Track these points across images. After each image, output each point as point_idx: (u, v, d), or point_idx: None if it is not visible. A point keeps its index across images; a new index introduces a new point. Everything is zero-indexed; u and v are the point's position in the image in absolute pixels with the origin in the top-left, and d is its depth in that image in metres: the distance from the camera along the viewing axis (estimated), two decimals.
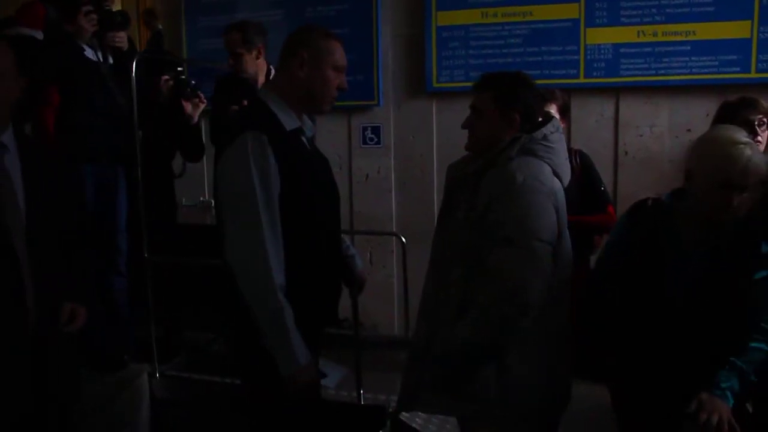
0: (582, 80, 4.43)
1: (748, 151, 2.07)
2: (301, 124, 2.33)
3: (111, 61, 3.60)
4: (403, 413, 3.23)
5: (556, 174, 2.24)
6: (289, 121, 2.27)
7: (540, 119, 2.34)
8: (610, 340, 2.38)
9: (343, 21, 4.76)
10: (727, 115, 2.96)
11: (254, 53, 3.74)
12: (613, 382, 2.45)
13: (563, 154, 2.30)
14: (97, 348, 3.64)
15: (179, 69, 4.10)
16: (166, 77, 4.01)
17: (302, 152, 2.32)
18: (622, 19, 4.34)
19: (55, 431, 2.55)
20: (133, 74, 3.52)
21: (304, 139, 2.35)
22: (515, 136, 2.23)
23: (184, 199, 5.00)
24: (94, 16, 3.46)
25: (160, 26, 4.93)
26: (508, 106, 2.24)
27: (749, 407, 2.34)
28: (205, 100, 4.07)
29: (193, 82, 4.09)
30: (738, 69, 4.18)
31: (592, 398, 2.74)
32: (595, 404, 2.82)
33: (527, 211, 2.12)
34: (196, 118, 4.06)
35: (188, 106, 4.01)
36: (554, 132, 2.26)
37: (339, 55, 2.29)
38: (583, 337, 2.36)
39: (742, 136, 2.12)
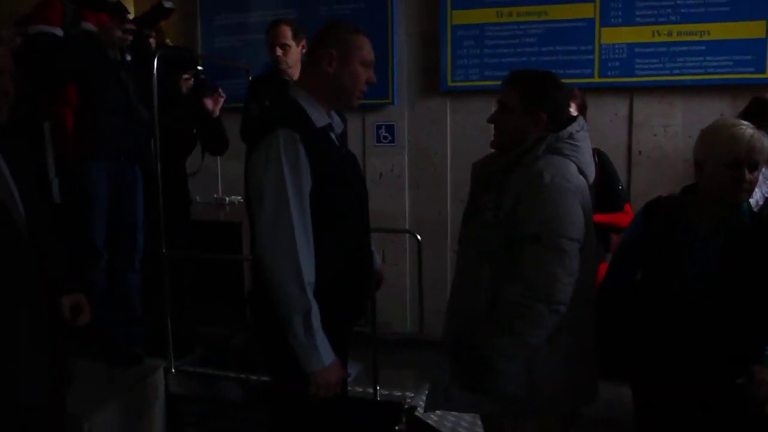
0: (597, 80, 4.46)
1: (750, 130, 2.17)
2: (331, 120, 2.34)
3: (129, 58, 3.61)
4: (420, 409, 3.26)
5: (581, 172, 2.26)
6: (319, 117, 2.27)
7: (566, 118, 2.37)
8: (630, 339, 2.43)
9: (358, 19, 4.71)
10: (755, 111, 2.99)
11: (300, 47, 3.81)
12: (635, 380, 2.48)
13: (588, 152, 2.32)
14: (112, 344, 3.70)
15: (199, 68, 4.15)
16: (186, 76, 4.06)
17: (332, 149, 2.33)
18: (637, 19, 4.37)
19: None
20: (155, 72, 3.54)
21: (333, 135, 2.35)
22: (541, 135, 2.25)
23: (198, 197, 5.01)
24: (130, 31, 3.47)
25: (168, 41, 4.95)
26: (536, 106, 2.26)
27: None
28: (224, 95, 4.14)
29: (206, 79, 4.15)
30: (752, 69, 4.20)
31: (611, 397, 2.75)
32: (612, 403, 2.85)
33: (555, 209, 2.14)
34: (217, 112, 4.12)
35: (209, 102, 4.07)
36: (580, 130, 2.28)
37: (367, 49, 2.30)
38: (602, 336, 2.38)
39: (743, 124, 2.22)
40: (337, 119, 2.39)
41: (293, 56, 3.82)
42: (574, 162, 2.24)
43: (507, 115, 2.29)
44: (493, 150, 2.43)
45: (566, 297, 2.12)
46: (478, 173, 2.45)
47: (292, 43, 3.80)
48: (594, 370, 2.36)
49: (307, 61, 2.36)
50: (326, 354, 2.20)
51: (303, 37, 3.81)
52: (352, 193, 2.39)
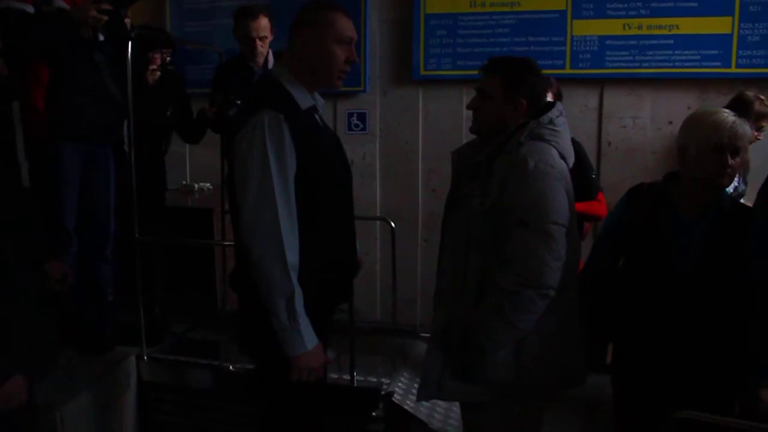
0: (568, 71, 4.52)
1: (732, 117, 2.26)
2: (315, 102, 2.31)
3: (102, 38, 3.52)
4: (396, 395, 3.31)
5: (562, 156, 2.31)
6: (303, 99, 2.25)
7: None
8: (612, 329, 2.48)
9: None
10: (738, 107, 3.09)
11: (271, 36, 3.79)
12: (616, 371, 2.53)
13: (568, 137, 2.37)
14: (83, 331, 3.63)
15: (168, 59, 4.09)
16: (153, 68, 3.98)
17: (317, 131, 2.32)
18: (608, 12, 4.44)
19: None
20: (129, 54, 3.48)
21: (317, 117, 2.34)
22: (523, 121, 2.28)
23: (167, 183, 4.96)
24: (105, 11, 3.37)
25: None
26: (515, 91, 2.29)
27: None
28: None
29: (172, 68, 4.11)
30: (719, 63, 4.31)
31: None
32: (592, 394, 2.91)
33: (541, 194, 2.17)
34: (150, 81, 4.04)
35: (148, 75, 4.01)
36: (559, 116, 2.32)
37: (341, 26, 2.23)
38: (584, 322, 2.41)
39: (725, 111, 2.30)
40: (321, 101, 2.37)
41: (266, 48, 3.79)
42: (555, 147, 2.28)
43: (487, 102, 2.32)
44: (473, 136, 2.47)
45: (555, 281, 2.16)
46: (460, 161, 2.48)
47: (270, 35, 3.76)
48: (580, 354, 2.39)
49: (288, 40, 2.30)
50: (309, 338, 2.19)
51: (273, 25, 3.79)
52: (336, 176, 2.38)
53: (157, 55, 3.98)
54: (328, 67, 2.24)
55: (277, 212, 2.12)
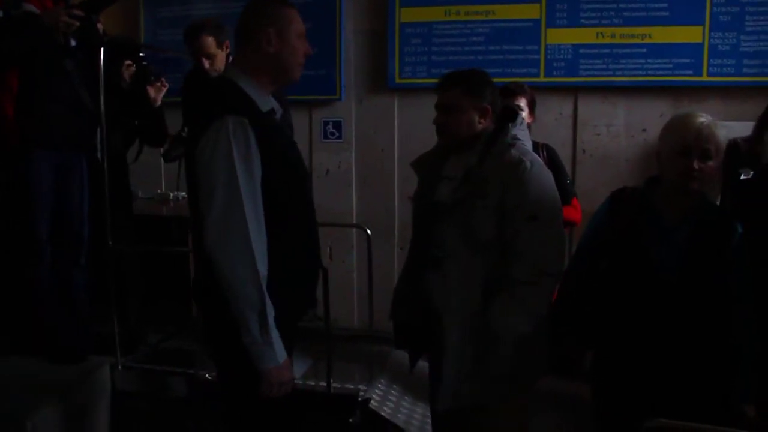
0: (542, 79, 4.58)
1: (701, 120, 2.26)
2: (273, 104, 2.30)
3: (74, 44, 3.49)
4: (373, 402, 3.34)
5: None
6: (263, 102, 2.24)
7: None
8: (591, 334, 2.47)
9: (306, 14, 4.55)
10: None
11: (225, 51, 3.73)
12: (597, 377, 2.52)
13: (529, 138, 2.59)
14: (57, 340, 3.60)
15: (141, 55, 4.07)
16: (128, 62, 3.99)
17: (279, 135, 2.32)
18: (582, 21, 4.51)
19: None
20: (102, 60, 3.47)
21: (276, 119, 2.33)
22: (499, 126, 2.45)
23: (140, 192, 4.98)
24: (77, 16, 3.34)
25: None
26: (480, 98, 2.43)
27: None
28: (167, 84, 4.07)
29: (153, 68, 4.07)
30: (691, 72, 4.40)
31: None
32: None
33: (543, 190, 2.37)
34: (159, 102, 4.07)
35: (152, 91, 4.02)
36: (523, 120, 2.57)
37: (299, 21, 2.28)
38: (561, 332, 2.46)
39: (702, 115, 2.30)
40: (276, 104, 2.34)
41: (220, 62, 3.72)
42: (525, 146, 2.47)
43: (455, 114, 2.44)
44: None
45: (562, 265, 2.41)
46: (426, 170, 2.59)
47: (218, 51, 3.70)
48: (544, 339, 2.45)
49: (243, 44, 2.28)
50: (280, 351, 2.16)
51: (226, 39, 3.71)
52: (299, 181, 2.37)
53: (128, 62, 3.99)
54: (293, 62, 2.28)
55: (246, 221, 2.07)
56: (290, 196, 2.27)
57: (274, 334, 2.14)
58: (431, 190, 2.47)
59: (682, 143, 2.23)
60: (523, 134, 2.49)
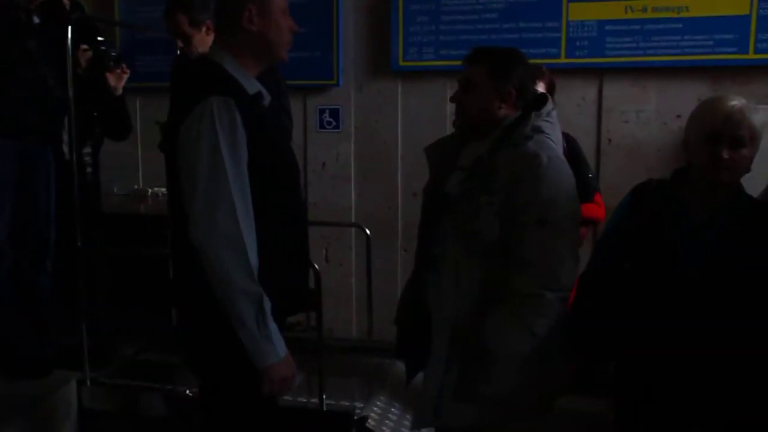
0: (563, 60, 4.50)
1: (733, 103, 2.18)
2: (260, 87, 2.32)
3: (38, 21, 3.45)
4: (371, 421, 3.35)
5: None
6: (249, 84, 2.26)
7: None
8: (613, 343, 2.40)
9: None
10: None
11: (203, 30, 3.64)
12: (618, 391, 2.48)
13: (559, 131, 2.46)
14: (18, 353, 3.59)
15: (99, 39, 4.01)
16: (85, 47, 3.90)
17: (267, 118, 2.33)
18: None
19: None
20: (69, 41, 3.42)
21: (264, 104, 2.35)
22: (521, 113, 2.37)
23: (116, 188, 5.04)
24: None
25: None
26: (504, 80, 2.36)
27: None
28: (128, 71, 4.03)
29: (113, 52, 4.01)
30: (735, 49, 4.26)
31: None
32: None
33: (557, 190, 2.26)
34: (120, 90, 4.01)
35: (111, 78, 3.95)
36: (553, 109, 2.44)
37: None
38: (580, 339, 2.40)
39: (734, 98, 2.22)
40: (264, 89, 2.37)
41: (198, 42, 3.65)
42: (551, 140, 2.36)
43: (473, 93, 2.38)
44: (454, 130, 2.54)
45: (571, 283, 2.26)
46: (439, 157, 2.53)
47: (192, 32, 3.63)
48: (565, 355, 2.41)
49: (223, 23, 2.33)
50: (280, 345, 2.17)
51: (207, 17, 3.62)
52: (288, 169, 2.38)
53: (84, 46, 3.89)
54: (278, 39, 2.30)
55: (235, 208, 2.08)
56: (277, 185, 2.27)
57: (272, 327, 2.15)
58: (443, 180, 2.45)
59: (710, 130, 2.17)
60: (549, 126, 2.38)
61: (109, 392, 3.68)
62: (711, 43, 4.29)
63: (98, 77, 3.93)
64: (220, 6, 2.33)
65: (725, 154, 2.14)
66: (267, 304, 2.12)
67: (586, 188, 3.47)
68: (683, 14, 4.31)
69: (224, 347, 2.16)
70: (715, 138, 2.15)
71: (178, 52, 3.87)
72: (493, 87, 2.36)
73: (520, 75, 2.39)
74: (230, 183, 2.08)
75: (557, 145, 2.40)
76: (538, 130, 2.33)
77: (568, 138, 3.54)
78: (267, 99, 2.37)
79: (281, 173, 2.30)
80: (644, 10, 4.36)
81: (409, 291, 2.66)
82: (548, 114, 2.39)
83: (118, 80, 3.97)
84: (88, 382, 3.63)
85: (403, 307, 2.70)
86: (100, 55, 3.95)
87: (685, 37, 4.32)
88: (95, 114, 4.03)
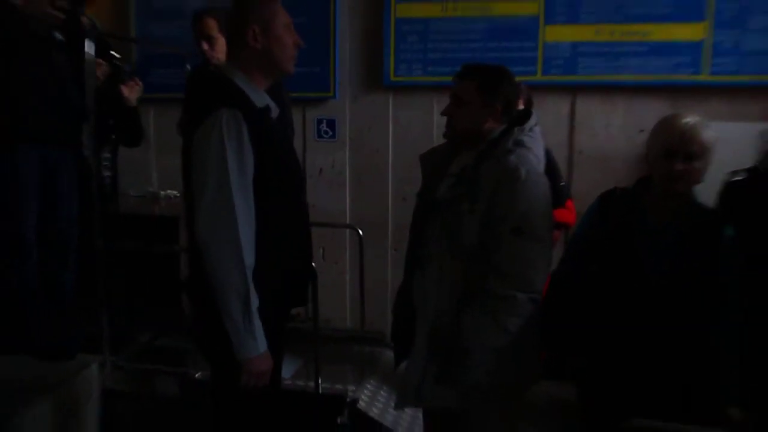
0: (540, 77, 4.60)
1: (686, 120, 2.32)
2: (268, 101, 2.39)
3: (59, 37, 3.52)
4: (362, 403, 3.43)
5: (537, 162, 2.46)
6: (258, 98, 2.33)
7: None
8: (580, 336, 2.51)
9: (300, 10, 4.71)
10: None
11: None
12: (583, 380, 2.58)
13: (542, 145, 2.52)
14: (45, 339, 3.63)
15: (114, 54, 4.16)
16: (100, 61, 4.03)
17: (274, 131, 2.39)
18: (581, 17, 4.54)
19: None
20: (86, 53, 3.54)
21: (271, 117, 2.42)
22: (505, 128, 2.43)
23: (131, 190, 5.08)
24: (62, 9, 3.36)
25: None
26: (492, 97, 2.43)
27: None
28: (140, 83, 4.17)
29: (127, 67, 4.17)
30: (692, 71, 4.42)
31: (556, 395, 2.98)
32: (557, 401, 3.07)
33: (533, 202, 2.32)
34: (133, 101, 4.15)
35: (125, 90, 4.11)
36: (536, 124, 2.50)
37: (283, 13, 2.37)
38: (551, 333, 2.49)
39: (688, 116, 2.37)
40: (272, 103, 2.42)
41: (221, 48, 3.71)
42: (533, 153, 2.43)
43: (463, 108, 2.45)
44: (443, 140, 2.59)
45: (542, 286, 2.34)
46: (431, 166, 2.61)
47: (219, 35, 3.72)
48: (537, 347, 2.48)
49: (232, 42, 2.39)
50: (261, 341, 2.25)
51: None
52: (291, 178, 2.47)
53: (99, 61, 4.02)
54: (283, 54, 2.37)
55: (235, 210, 2.17)
56: (281, 191, 2.35)
57: (257, 324, 2.23)
58: (435, 186, 2.51)
59: (666, 145, 2.32)
60: (530, 140, 2.44)
61: (127, 374, 3.79)
62: (671, 65, 4.43)
63: (113, 89, 4.08)
64: (228, 25, 2.42)
65: (679, 167, 2.28)
66: (254, 301, 2.21)
67: (559, 195, 3.55)
68: (647, 38, 4.45)
69: (219, 336, 2.24)
70: (670, 152, 2.30)
71: (197, 67, 3.98)
72: (481, 102, 2.42)
73: (506, 91, 2.44)
74: (233, 190, 2.17)
75: (539, 158, 2.46)
76: (521, 144, 2.39)
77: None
78: (275, 112, 2.42)
79: (286, 181, 2.38)
80: (612, 33, 4.49)
81: (403, 286, 2.71)
82: (531, 129, 2.45)
83: (131, 92, 4.13)
84: (108, 366, 3.73)
85: (397, 299, 2.77)
86: (114, 69, 4.11)
87: (649, 59, 4.46)
88: (111, 122, 4.17)
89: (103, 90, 4.04)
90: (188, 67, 4.09)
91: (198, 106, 2.33)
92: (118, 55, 4.19)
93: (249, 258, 2.22)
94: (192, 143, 2.27)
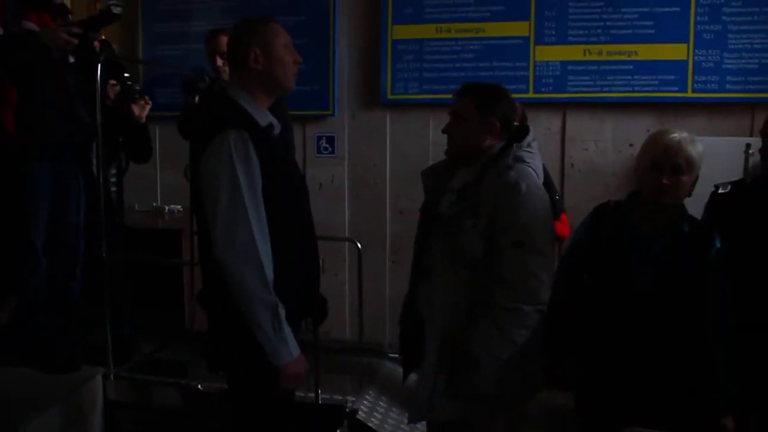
0: (531, 95, 4.63)
1: (673, 136, 2.31)
2: (272, 119, 2.36)
3: (72, 60, 3.54)
4: (361, 413, 3.36)
5: (536, 177, 2.43)
6: (261, 117, 2.31)
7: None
8: (576, 345, 2.49)
9: (301, 32, 4.85)
10: None
11: None
12: (578, 386, 2.55)
13: (539, 159, 2.50)
14: (51, 350, 3.59)
15: (126, 75, 4.14)
16: (113, 82, 4.07)
17: (278, 148, 2.38)
18: (570, 38, 4.58)
19: None
20: (98, 77, 3.54)
21: (274, 134, 2.39)
22: (504, 144, 2.42)
23: (136, 204, 5.03)
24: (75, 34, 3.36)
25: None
26: (489, 113, 2.40)
27: None
28: (150, 102, 4.17)
29: (138, 86, 4.15)
30: (676, 88, 4.46)
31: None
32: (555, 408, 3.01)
33: (534, 215, 2.30)
34: (144, 119, 4.15)
35: (136, 108, 4.11)
36: (534, 140, 2.49)
37: (282, 34, 2.35)
38: (550, 344, 2.45)
39: (676, 131, 2.34)
40: (275, 120, 2.40)
41: None
42: (532, 168, 2.40)
43: (462, 124, 2.43)
44: (439, 158, 2.57)
45: (547, 297, 2.30)
46: (432, 181, 2.58)
47: None
48: (539, 362, 2.45)
49: (234, 65, 2.38)
50: (294, 346, 2.24)
51: None
52: (297, 193, 2.43)
53: (112, 81, 4.07)
54: (284, 73, 2.34)
55: (251, 227, 2.15)
56: (288, 207, 2.32)
57: (287, 330, 2.21)
58: (437, 201, 2.50)
59: (653, 159, 2.30)
60: (529, 155, 2.42)
61: (131, 386, 3.73)
62: (656, 82, 4.47)
63: (125, 108, 4.07)
64: (230, 49, 2.38)
65: (666, 180, 2.26)
66: (282, 312, 2.18)
67: (553, 208, 3.55)
68: (633, 57, 4.49)
69: (246, 349, 2.21)
70: (657, 166, 2.28)
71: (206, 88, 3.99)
72: (479, 119, 2.39)
73: (503, 108, 2.43)
74: (247, 207, 2.15)
75: (538, 172, 2.43)
76: (520, 160, 2.37)
77: None
78: (277, 129, 2.40)
79: (293, 195, 2.36)
80: (600, 53, 4.54)
81: (408, 298, 2.69)
82: (529, 144, 2.43)
83: (142, 110, 4.13)
84: (112, 377, 3.66)
85: (403, 311, 2.74)
86: (126, 88, 4.10)
87: (635, 77, 4.50)
88: (120, 140, 4.16)
89: (114, 109, 4.07)
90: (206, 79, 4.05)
91: (206, 126, 2.31)
92: (128, 74, 4.17)
93: (269, 272, 2.19)
94: (200, 162, 2.25)
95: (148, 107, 4.15)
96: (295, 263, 2.34)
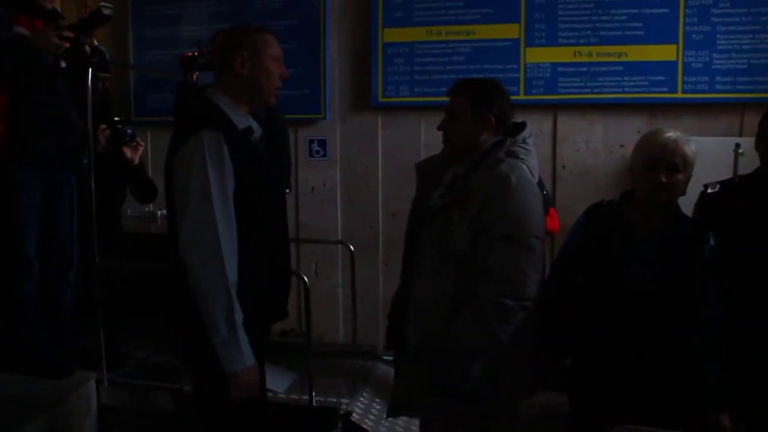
0: (522, 97, 4.59)
1: (668, 134, 2.31)
2: (250, 123, 2.36)
3: (64, 65, 3.49)
4: (355, 415, 3.34)
5: (531, 173, 2.38)
6: (239, 120, 2.30)
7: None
8: (568, 345, 2.49)
9: (291, 36, 4.85)
10: None
11: None
12: (572, 387, 2.54)
13: (535, 156, 2.45)
14: (44, 356, 3.58)
15: (116, 119, 4.15)
16: (103, 127, 4.05)
17: (254, 151, 2.36)
18: (560, 40, 4.56)
19: None
20: (89, 80, 3.52)
21: (253, 138, 2.38)
22: (498, 139, 2.36)
23: (129, 210, 4.99)
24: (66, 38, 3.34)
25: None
26: (483, 110, 2.37)
27: None
28: (142, 144, 4.18)
29: (129, 130, 4.13)
30: (666, 89, 4.44)
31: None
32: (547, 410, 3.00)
33: (523, 210, 2.25)
34: (136, 161, 4.15)
35: (128, 151, 4.10)
36: (530, 136, 2.42)
37: (274, 46, 2.35)
38: (541, 341, 2.41)
39: (670, 131, 2.34)
40: (255, 123, 2.40)
41: None
42: (526, 164, 2.36)
43: (457, 122, 2.40)
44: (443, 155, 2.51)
45: (534, 293, 2.23)
46: (426, 174, 2.57)
47: None
48: (532, 363, 2.41)
49: (220, 66, 2.37)
50: (248, 354, 2.20)
51: None
52: (273, 195, 2.44)
53: (102, 126, 4.06)
54: (267, 84, 2.34)
55: (217, 228, 2.14)
56: (261, 209, 2.32)
57: (242, 337, 2.19)
58: (428, 195, 2.47)
59: (649, 158, 2.29)
60: (524, 151, 2.36)
61: (124, 390, 3.71)
62: (647, 83, 4.45)
63: (116, 152, 4.08)
64: (221, 48, 2.38)
65: (663, 179, 2.26)
66: (239, 315, 2.17)
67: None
68: (623, 59, 4.47)
69: (203, 350, 2.20)
70: (654, 165, 2.28)
71: (182, 83, 3.99)
72: (473, 115, 2.36)
73: (498, 104, 2.38)
74: (215, 207, 2.14)
75: (533, 169, 2.38)
76: (513, 155, 2.32)
77: None
78: (257, 132, 2.40)
79: (266, 199, 2.36)
80: (590, 54, 4.51)
81: (398, 291, 2.68)
82: (524, 140, 2.37)
83: (134, 152, 4.12)
84: (105, 382, 3.66)
85: (393, 305, 2.73)
86: (116, 132, 4.09)
87: (625, 78, 4.47)
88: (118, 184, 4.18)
89: (105, 153, 4.06)
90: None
91: (183, 126, 2.31)
92: (118, 118, 4.21)
93: (232, 274, 2.18)
94: (174, 161, 2.24)
95: (140, 149, 4.14)
96: (264, 267, 2.33)
